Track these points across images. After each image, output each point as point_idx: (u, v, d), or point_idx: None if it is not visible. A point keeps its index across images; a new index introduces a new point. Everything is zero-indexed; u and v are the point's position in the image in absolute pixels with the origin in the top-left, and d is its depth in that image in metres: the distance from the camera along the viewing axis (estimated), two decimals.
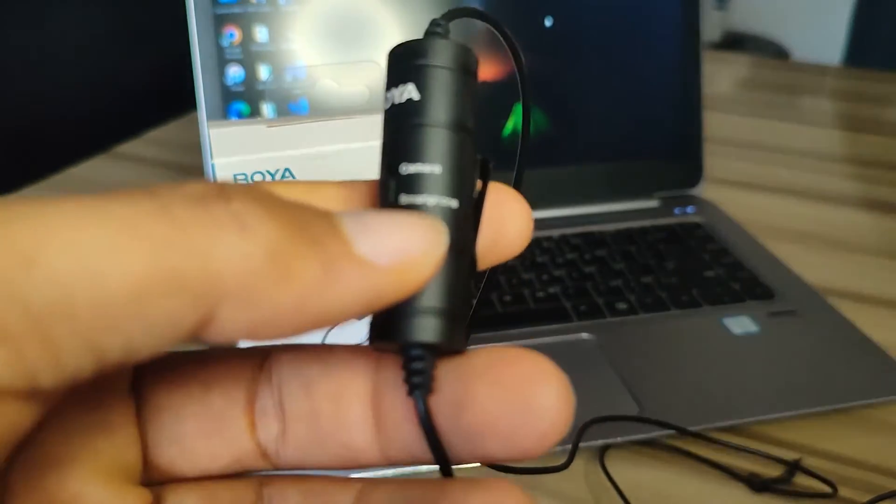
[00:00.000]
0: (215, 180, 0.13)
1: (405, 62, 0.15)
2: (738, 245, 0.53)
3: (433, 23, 0.16)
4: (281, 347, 0.16)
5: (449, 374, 0.15)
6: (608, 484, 0.35)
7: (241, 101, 0.49)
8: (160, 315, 0.11)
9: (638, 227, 0.55)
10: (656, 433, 0.37)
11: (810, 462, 0.36)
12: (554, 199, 0.56)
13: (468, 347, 0.15)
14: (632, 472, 0.35)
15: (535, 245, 0.52)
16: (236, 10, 0.49)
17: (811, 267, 0.51)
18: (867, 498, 0.34)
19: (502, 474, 0.18)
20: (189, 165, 0.66)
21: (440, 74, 0.15)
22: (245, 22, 0.49)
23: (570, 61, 0.55)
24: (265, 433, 0.16)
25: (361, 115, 0.31)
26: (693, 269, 0.50)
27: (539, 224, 0.55)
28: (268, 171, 0.28)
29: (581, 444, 0.36)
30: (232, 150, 0.27)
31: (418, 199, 0.15)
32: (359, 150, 0.30)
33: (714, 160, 0.65)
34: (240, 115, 0.49)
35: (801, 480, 0.35)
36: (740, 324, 0.44)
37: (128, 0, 0.81)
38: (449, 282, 0.15)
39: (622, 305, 0.46)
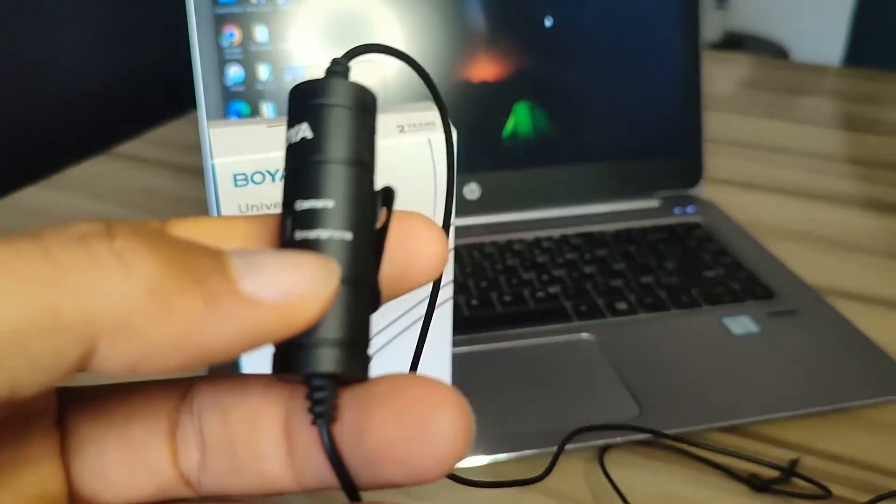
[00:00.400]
0: (108, 220, 0.14)
1: (301, 102, 0.16)
2: (737, 245, 0.53)
3: (333, 62, 0.16)
4: (203, 377, 0.17)
5: (351, 402, 0.15)
6: (608, 484, 0.35)
7: (241, 101, 0.49)
8: (42, 353, 0.12)
9: (638, 227, 0.55)
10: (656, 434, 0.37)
11: (810, 462, 0.36)
12: (554, 199, 0.56)
13: (369, 376, 0.16)
14: (631, 473, 0.35)
15: (535, 245, 0.52)
16: (236, 10, 0.49)
17: (811, 267, 0.51)
18: (866, 498, 0.34)
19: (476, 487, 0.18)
20: (189, 165, 0.66)
21: (333, 112, 0.16)
22: (245, 22, 0.49)
23: (570, 61, 0.55)
24: (187, 462, 0.16)
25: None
26: (693, 269, 0.50)
27: (539, 224, 0.55)
28: (268, 171, 0.28)
29: (581, 445, 0.36)
30: (232, 150, 0.27)
31: (311, 234, 0.15)
32: None
33: (714, 160, 0.65)
34: (240, 115, 0.49)
35: (802, 480, 0.35)
36: (740, 324, 0.44)
37: (128, 0, 0.81)
38: (348, 312, 0.15)
39: (622, 305, 0.46)
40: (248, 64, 0.49)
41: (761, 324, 0.44)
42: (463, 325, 0.43)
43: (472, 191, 0.54)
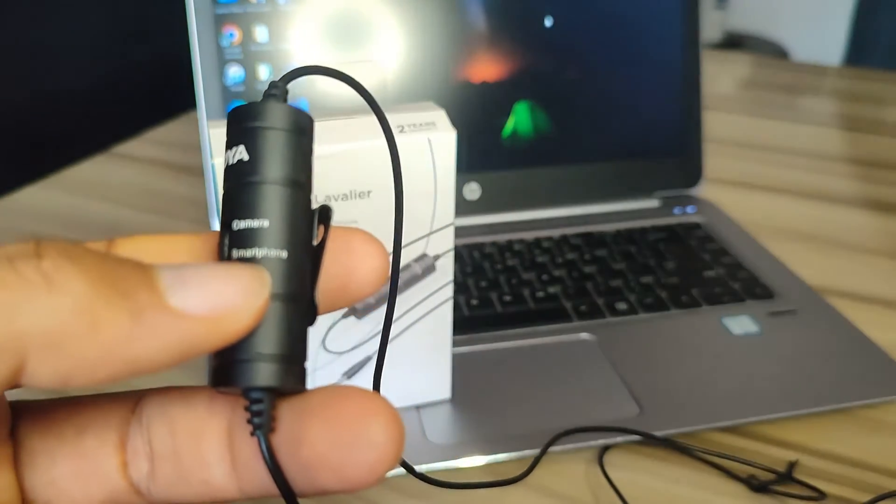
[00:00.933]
0: (38, 240, 0.14)
1: (238, 125, 0.16)
2: (738, 245, 0.53)
3: (271, 85, 0.17)
4: (152, 389, 0.17)
5: (288, 413, 0.16)
6: (607, 484, 0.35)
7: (241, 102, 0.49)
8: None
9: (638, 227, 0.55)
10: (655, 434, 0.37)
11: (809, 462, 0.36)
12: (554, 199, 0.56)
13: (306, 388, 0.16)
14: (630, 473, 0.35)
15: (535, 245, 0.52)
16: (236, 10, 0.49)
17: (811, 267, 0.51)
18: (866, 498, 0.34)
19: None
20: (189, 165, 0.66)
21: (268, 135, 0.16)
22: (245, 22, 0.49)
23: (570, 61, 0.55)
24: (137, 472, 0.17)
25: (361, 116, 0.31)
26: (693, 269, 0.50)
27: (539, 224, 0.55)
28: None
29: (581, 445, 0.36)
30: None
31: (247, 253, 0.16)
32: (359, 150, 0.30)
33: (714, 160, 0.65)
34: None
35: (801, 480, 0.35)
36: (740, 324, 0.44)
37: (128, 0, 0.81)
38: (284, 327, 0.16)
39: (622, 305, 0.46)
40: (248, 64, 0.49)
41: (761, 324, 0.44)
42: (463, 325, 0.43)
43: (472, 191, 0.54)
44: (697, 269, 0.50)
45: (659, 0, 0.56)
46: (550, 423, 0.37)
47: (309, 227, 0.17)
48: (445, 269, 0.35)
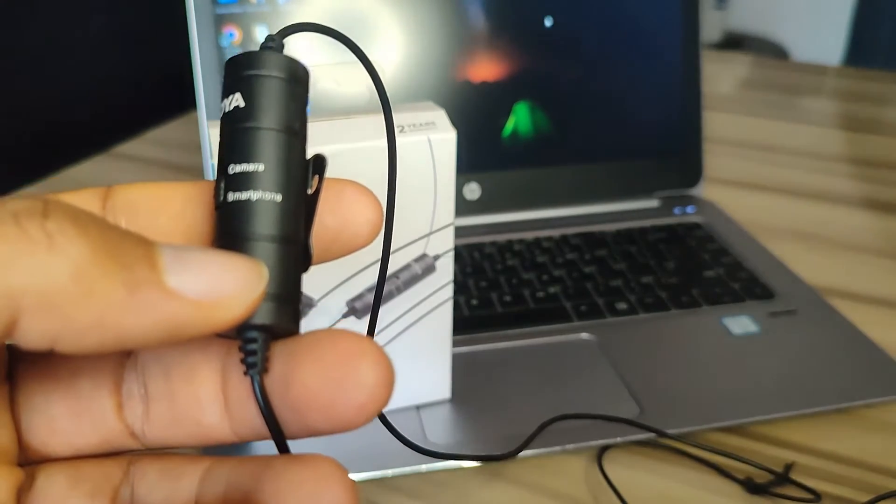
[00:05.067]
0: (47, 198, 0.14)
1: (235, 73, 0.17)
2: (738, 245, 0.53)
3: (267, 38, 0.17)
4: None
5: (280, 355, 0.16)
6: (606, 484, 0.35)
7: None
8: None
9: (638, 227, 0.55)
10: (655, 434, 0.37)
11: (809, 462, 0.36)
12: (554, 199, 0.56)
13: (299, 330, 0.17)
14: (629, 473, 0.35)
15: (535, 245, 0.52)
16: (236, 10, 0.49)
17: (811, 267, 0.51)
18: (866, 498, 0.34)
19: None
20: (189, 165, 0.66)
21: (264, 82, 0.17)
22: (245, 22, 0.49)
23: (570, 61, 0.55)
24: (131, 414, 0.17)
25: (361, 115, 0.31)
26: (693, 269, 0.50)
27: (539, 224, 0.55)
28: None
29: (580, 445, 0.36)
30: None
31: (243, 196, 0.16)
32: (359, 150, 0.30)
33: (714, 160, 0.65)
34: None
35: (800, 481, 0.35)
36: (740, 324, 0.44)
37: (128, 0, 0.81)
38: (279, 269, 0.16)
39: (622, 305, 0.46)
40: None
41: (761, 324, 0.44)
42: (463, 325, 0.43)
43: (472, 191, 0.54)
44: (697, 269, 0.50)
45: (659, 0, 0.56)
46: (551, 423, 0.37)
47: (304, 174, 0.17)
48: (445, 270, 0.35)
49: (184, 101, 0.71)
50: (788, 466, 0.35)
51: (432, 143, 0.32)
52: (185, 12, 0.47)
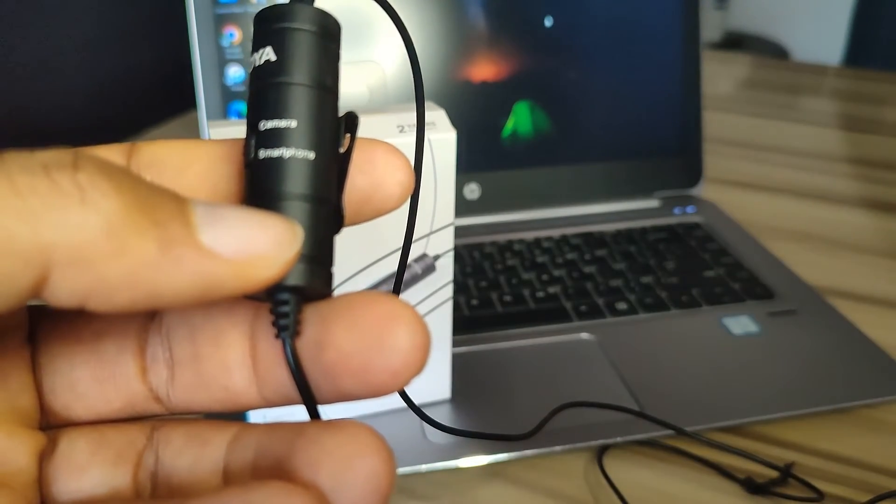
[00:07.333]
0: (77, 150, 0.14)
1: (265, 26, 0.16)
2: (738, 245, 0.53)
3: None
4: None
5: (313, 318, 0.15)
6: (607, 484, 0.35)
7: (241, 101, 0.49)
8: None
9: (638, 227, 0.55)
10: (654, 433, 0.37)
11: (809, 462, 0.36)
12: (554, 199, 0.56)
13: (332, 293, 0.16)
14: (630, 473, 0.35)
15: (535, 245, 0.52)
16: (236, 10, 0.49)
17: (811, 267, 0.51)
18: (866, 498, 0.34)
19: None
20: None
21: (296, 36, 0.16)
22: (245, 22, 0.49)
23: (570, 61, 0.55)
24: (156, 378, 0.16)
25: (362, 115, 0.31)
26: (693, 269, 0.50)
27: (539, 224, 0.55)
28: None
29: (580, 444, 0.36)
30: None
31: (275, 153, 0.15)
32: None
33: (714, 160, 0.65)
34: (240, 116, 0.49)
35: (800, 477, 0.35)
36: (740, 324, 0.44)
37: (128, 0, 0.81)
38: (311, 230, 0.15)
39: (622, 305, 0.46)
40: (248, 64, 0.49)
41: (761, 324, 0.44)
42: (463, 325, 0.43)
43: (472, 191, 0.54)
44: (697, 269, 0.50)
45: (659, 0, 0.56)
46: (551, 423, 0.37)
47: (336, 132, 0.16)
48: (445, 269, 0.35)
49: (184, 101, 0.71)
50: (789, 466, 0.35)
51: (432, 143, 0.32)
52: (185, 12, 0.47)
